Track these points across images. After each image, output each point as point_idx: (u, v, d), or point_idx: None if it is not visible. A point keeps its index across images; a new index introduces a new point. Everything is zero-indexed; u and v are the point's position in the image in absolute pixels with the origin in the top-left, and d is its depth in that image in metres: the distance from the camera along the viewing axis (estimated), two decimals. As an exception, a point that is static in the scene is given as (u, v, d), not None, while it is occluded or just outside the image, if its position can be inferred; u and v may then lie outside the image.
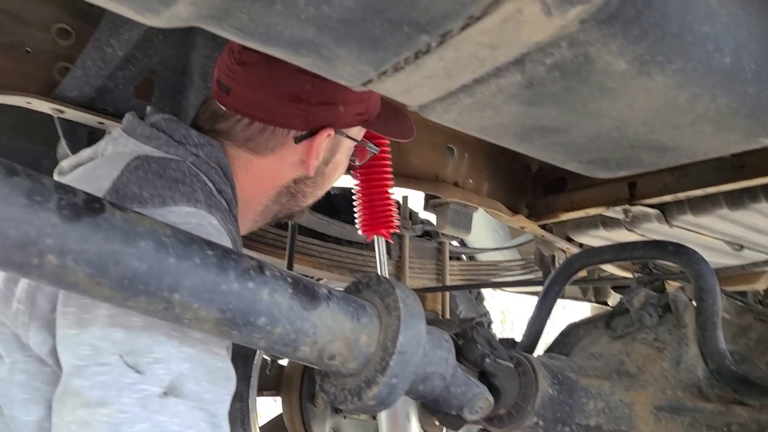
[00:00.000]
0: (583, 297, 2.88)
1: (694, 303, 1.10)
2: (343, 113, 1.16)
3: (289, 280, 0.80)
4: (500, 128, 0.76)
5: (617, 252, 1.26)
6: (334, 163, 1.23)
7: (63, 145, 1.38)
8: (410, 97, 0.71)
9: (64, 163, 1.10)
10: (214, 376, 0.84)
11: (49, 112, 1.23)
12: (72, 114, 1.23)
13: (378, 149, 1.35)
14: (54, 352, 0.85)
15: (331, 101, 1.13)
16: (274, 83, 1.10)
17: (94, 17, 1.23)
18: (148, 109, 1.12)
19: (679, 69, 0.60)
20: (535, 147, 0.81)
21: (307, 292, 0.81)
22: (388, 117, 1.30)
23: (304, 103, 1.11)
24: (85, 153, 1.07)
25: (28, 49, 1.22)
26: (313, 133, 1.15)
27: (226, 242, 0.95)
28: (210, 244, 0.75)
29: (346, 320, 0.83)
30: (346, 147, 1.25)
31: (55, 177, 1.10)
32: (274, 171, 1.17)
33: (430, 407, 0.98)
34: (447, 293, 2.27)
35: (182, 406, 0.78)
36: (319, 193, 1.27)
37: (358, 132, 1.26)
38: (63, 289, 0.68)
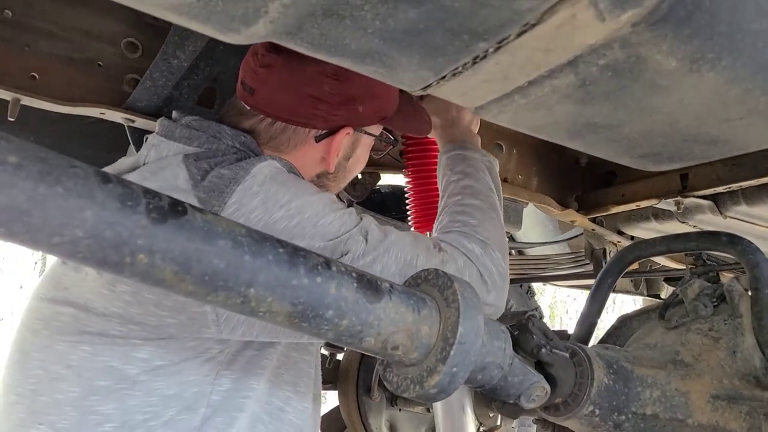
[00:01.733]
0: (635, 290, 2.86)
1: (749, 293, 1.10)
2: (362, 112, 1.21)
3: (354, 275, 0.85)
4: (553, 126, 0.79)
5: (670, 243, 1.27)
6: (354, 158, 1.30)
7: (131, 153, 1.46)
8: (467, 100, 0.75)
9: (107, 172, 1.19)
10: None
11: (121, 121, 1.31)
12: (142, 123, 1.31)
13: (398, 141, 1.41)
14: None
15: (350, 101, 1.19)
16: (295, 85, 1.16)
17: (160, 30, 1.31)
18: (175, 113, 1.19)
19: (729, 66, 0.63)
20: (587, 143, 0.84)
21: (370, 286, 0.85)
22: (406, 113, 1.35)
23: (324, 104, 1.17)
24: (127, 161, 1.15)
25: (99, 63, 1.30)
26: (332, 132, 1.21)
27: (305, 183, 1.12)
28: (280, 242, 0.80)
29: (407, 312, 0.88)
30: (366, 142, 1.31)
31: None
32: (296, 167, 1.23)
33: (489, 396, 1.01)
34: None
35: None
36: (342, 186, 1.35)
37: (376, 127, 1.31)
38: (151, 285, 0.74)
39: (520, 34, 0.60)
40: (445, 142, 1.41)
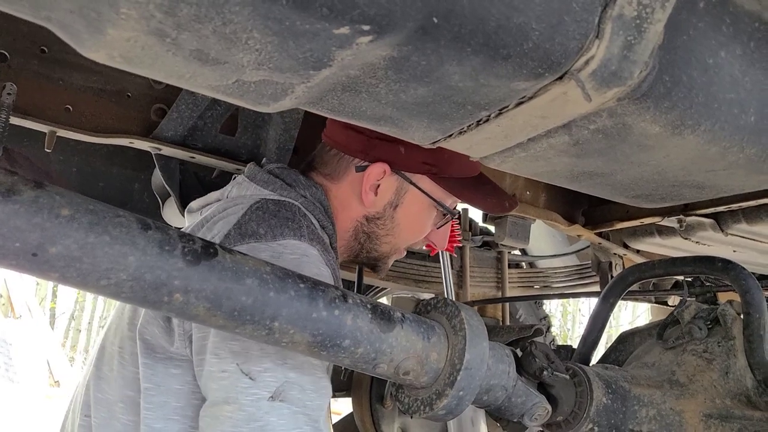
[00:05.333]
0: (643, 298, 2.91)
1: (742, 316, 1.16)
2: (404, 155, 1.24)
3: (369, 306, 0.92)
4: (552, 174, 0.86)
5: (668, 267, 1.34)
6: (403, 209, 1.29)
7: (157, 175, 1.54)
8: (472, 151, 0.82)
9: (194, 204, 1.29)
10: (315, 386, 0.99)
11: (149, 149, 1.39)
12: (168, 151, 1.39)
13: (456, 214, 1.36)
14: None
15: (391, 139, 1.18)
16: None
17: (185, 63, 1.38)
18: (264, 159, 1.30)
19: (708, 129, 0.69)
20: (584, 186, 0.91)
21: (384, 316, 0.93)
22: (483, 189, 1.33)
23: (364, 135, 1.23)
24: (213, 195, 1.25)
25: (129, 94, 1.39)
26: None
27: (324, 270, 1.09)
28: (302, 278, 0.88)
29: (418, 340, 0.95)
30: (419, 198, 1.28)
31: (186, 214, 1.31)
32: (347, 201, 1.28)
33: (494, 414, 1.08)
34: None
35: (287, 410, 0.94)
36: (393, 241, 1.32)
37: (433, 187, 1.29)
38: (186, 320, 0.82)
39: (518, 104, 0.67)
40: None
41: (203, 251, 0.79)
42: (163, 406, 1.05)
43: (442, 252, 1.78)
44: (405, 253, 1.41)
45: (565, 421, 1.11)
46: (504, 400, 1.03)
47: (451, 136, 0.76)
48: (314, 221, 1.18)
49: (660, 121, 0.67)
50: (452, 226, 1.57)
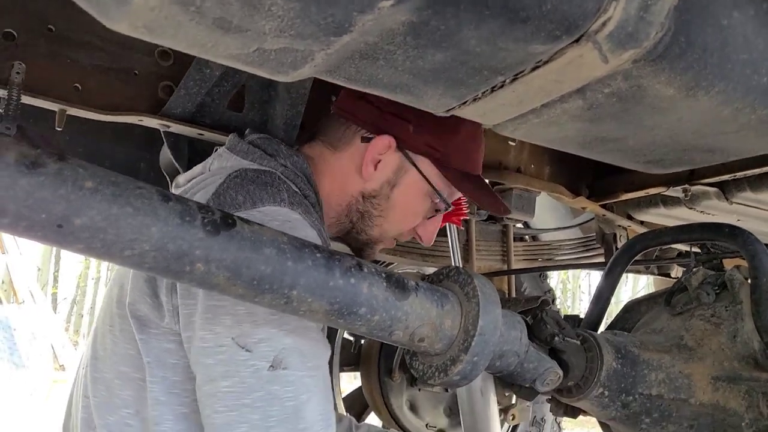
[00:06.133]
0: (646, 270, 2.93)
1: (749, 281, 1.18)
2: (412, 134, 1.22)
3: (383, 275, 0.93)
4: (565, 140, 0.87)
5: (676, 234, 1.35)
6: (400, 191, 1.27)
7: (165, 152, 1.54)
8: (485, 119, 0.83)
9: (180, 178, 1.27)
10: (313, 347, 0.99)
11: (157, 127, 1.39)
12: (176, 128, 1.39)
13: (451, 207, 1.33)
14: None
15: (403, 116, 1.21)
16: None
17: (191, 40, 1.38)
18: (247, 130, 1.28)
19: (721, 91, 0.70)
20: (596, 153, 0.92)
21: (398, 284, 0.94)
22: (482, 188, 1.32)
23: (376, 107, 1.23)
24: (197, 169, 1.24)
25: (136, 72, 1.38)
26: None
27: (310, 232, 1.07)
28: (318, 248, 0.89)
29: (432, 308, 0.96)
30: (416, 182, 1.26)
31: (173, 188, 1.28)
32: (344, 174, 1.27)
33: (507, 380, 1.10)
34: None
35: (291, 377, 0.95)
36: (385, 226, 1.30)
37: (434, 175, 1.27)
38: (207, 290, 0.83)
39: (534, 69, 0.67)
40: None
41: (222, 222, 0.81)
42: (164, 380, 1.06)
43: (449, 225, 1.80)
44: (394, 243, 1.38)
45: (576, 385, 1.13)
46: (516, 365, 1.05)
47: (465, 103, 0.76)
48: (296, 189, 1.16)
49: (674, 82, 0.68)
50: (459, 199, 1.58)
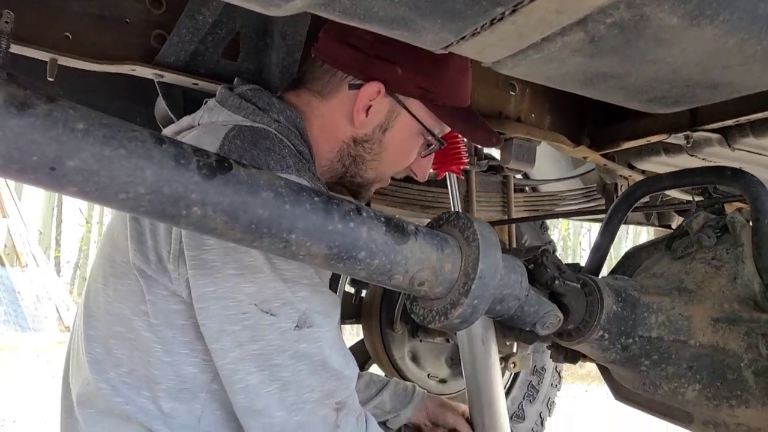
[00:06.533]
0: (647, 221, 2.93)
1: (751, 223, 1.17)
2: (401, 76, 1.21)
3: (383, 219, 0.93)
4: (565, 77, 0.85)
5: (677, 178, 1.34)
6: (392, 134, 1.27)
7: (159, 104, 1.52)
8: (484, 56, 0.81)
9: (167, 131, 1.25)
10: (326, 306, 1.05)
11: (151, 76, 1.37)
12: (170, 77, 1.37)
13: (443, 144, 1.34)
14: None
15: (390, 59, 1.20)
16: (343, 29, 1.20)
17: (182, -14, 1.35)
18: (236, 81, 1.25)
19: (727, 19, 0.68)
20: (597, 91, 0.90)
21: (398, 229, 0.94)
22: (473, 121, 1.32)
23: (362, 52, 1.20)
24: (185, 121, 1.22)
25: (127, 20, 1.36)
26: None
27: None
28: (316, 192, 0.88)
29: (432, 252, 0.96)
30: (408, 124, 1.27)
31: None
32: (334, 121, 1.25)
33: (507, 324, 1.11)
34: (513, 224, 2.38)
35: (318, 332, 1.01)
36: (379, 168, 1.30)
37: (425, 114, 1.27)
38: (203, 234, 0.83)
39: (533, -1, 0.65)
40: None
41: (218, 165, 0.80)
42: (171, 341, 1.07)
43: (449, 175, 1.78)
44: (389, 181, 1.39)
45: (576, 329, 1.14)
46: (517, 309, 1.05)
47: (464, 38, 0.75)
48: (291, 146, 1.14)
49: (678, 11, 0.66)
50: (458, 147, 1.56)
